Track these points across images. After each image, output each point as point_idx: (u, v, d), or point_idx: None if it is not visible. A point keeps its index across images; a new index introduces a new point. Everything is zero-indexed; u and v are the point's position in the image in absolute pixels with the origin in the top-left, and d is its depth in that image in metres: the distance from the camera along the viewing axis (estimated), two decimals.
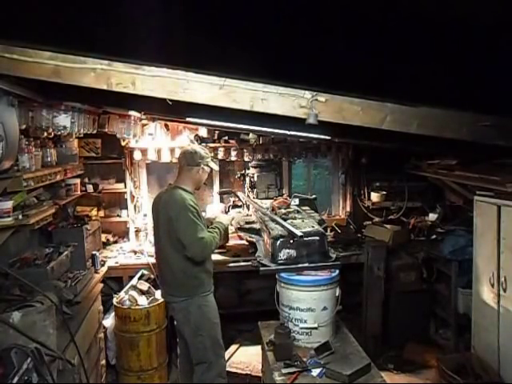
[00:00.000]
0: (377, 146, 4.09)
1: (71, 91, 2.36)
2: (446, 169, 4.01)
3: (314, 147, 4.88)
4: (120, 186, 4.62)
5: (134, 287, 3.75)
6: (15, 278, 2.41)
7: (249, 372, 3.54)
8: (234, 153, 4.68)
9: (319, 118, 2.15)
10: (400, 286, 4.20)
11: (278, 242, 2.81)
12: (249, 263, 3.76)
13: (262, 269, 2.81)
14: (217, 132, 4.65)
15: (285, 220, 3.16)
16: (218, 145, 4.67)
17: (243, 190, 4.91)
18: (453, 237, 4.09)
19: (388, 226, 4.61)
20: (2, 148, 2.31)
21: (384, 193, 4.91)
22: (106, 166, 4.61)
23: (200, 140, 4.54)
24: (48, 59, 2.02)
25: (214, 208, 4.66)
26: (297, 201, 3.98)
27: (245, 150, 4.70)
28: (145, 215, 4.58)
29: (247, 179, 4.85)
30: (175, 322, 3.12)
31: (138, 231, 4.60)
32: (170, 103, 2.48)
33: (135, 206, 4.68)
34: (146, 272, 3.96)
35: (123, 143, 4.45)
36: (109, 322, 3.77)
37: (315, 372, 2.38)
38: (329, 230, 4.48)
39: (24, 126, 2.86)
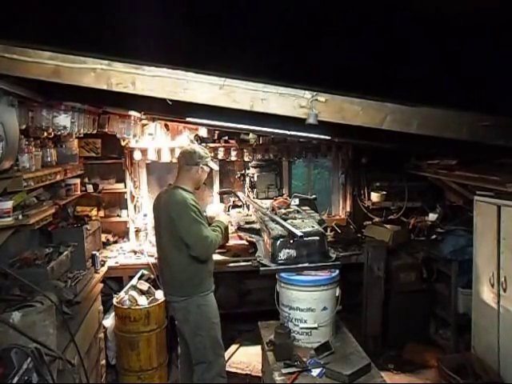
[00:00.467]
0: (377, 146, 4.09)
1: (71, 91, 2.35)
2: (445, 169, 4.00)
3: (313, 147, 4.88)
4: (120, 185, 4.62)
5: (134, 287, 3.75)
6: (15, 277, 2.41)
7: (249, 372, 3.54)
8: (234, 153, 4.68)
9: (319, 118, 2.15)
10: (400, 286, 4.20)
11: (278, 242, 2.81)
12: (249, 263, 3.77)
13: (262, 269, 2.81)
14: (217, 132, 4.65)
15: (285, 220, 3.16)
16: (218, 145, 4.67)
17: (243, 189, 4.91)
18: (453, 237, 4.09)
19: (388, 226, 4.61)
20: (2, 148, 2.31)
21: (384, 193, 4.91)
22: (106, 165, 4.60)
23: (200, 140, 4.54)
24: (48, 59, 2.02)
25: (213, 208, 4.66)
26: (297, 201, 3.97)
27: (245, 150, 4.70)
28: (145, 215, 4.58)
29: (247, 179, 4.85)
30: (176, 322, 3.12)
31: (138, 231, 4.60)
32: (170, 103, 2.48)
33: (135, 206, 4.68)
34: (146, 272, 3.96)
35: (123, 143, 4.45)
36: (109, 322, 3.77)
37: (315, 372, 2.38)
38: (329, 230, 4.48)
39: (24, 126, 2.86)
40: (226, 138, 4.69)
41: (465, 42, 1.48)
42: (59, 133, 3.23)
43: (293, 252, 2.80)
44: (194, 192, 3.05)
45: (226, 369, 3.25)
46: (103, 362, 3.57)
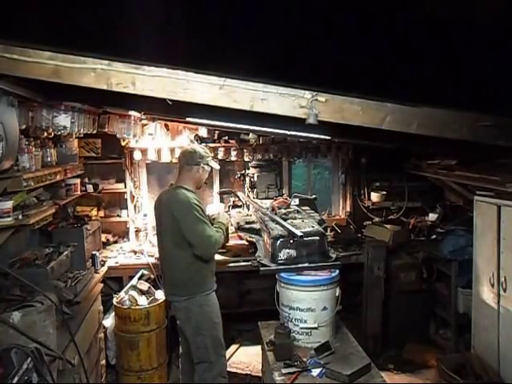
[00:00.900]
0: (377, 145, 4.09)
1: (71, 91, 2.35)
2: (445, 169, 4.01)
3: (313, 147, 4.88)
4: (120, 185, 4.62)
5: (134, 287, 3.75)
6: (15, 277, 2.41)
7: (249, 372, 3.55)
8: (234, 153, 4.68)
9: (319, 118, 2.14)
10: (400, 286, 4.20)
11: (278, 242, 2.81)
12: (249, 263, 3.77)
13: (262, 269, 2.81)
14: (217, 132, 4.65)
15: (285, 220, 3.16)
16: (218, 145, 4.67)
17: (243, 190, 4.91)
18: (453, 237, 4.09)
19: (388, 226, 4.61)
20: (2, 148, 2.31)
21: (384, 193, 4.92)
22: (106, 165, 4.60)
23: (200, 140, 4.54)
24: (48, 59, 2.02)
25: (213, 207, 4.66)
26: (297, 201, 3.98)
27: (245, 150, 4.70)
28: (145, 215, 4.58)
29: (247, 179, 4.85)
30: (177, 321, 3.13)
31: (138, 231, 4.60)
32: (170, 103, 2.48)
33: (135, 206, 4.68)
34: (146, 272, 3.96)
35: (123, 143, 4.45)
36: (109, 322, 3.77)
37: (315, 372, 2.38)
38: (329, 230, 4.47)
39: (24, 126, 2.86)
40: (226, 138, 4.69)
41: (465, 41, 1.48)
42: (59, 133, 3.23)
43: (293, 252, 2.80)
44: (195, 192, 3.05)
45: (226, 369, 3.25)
46: (103, 362, 3.57)
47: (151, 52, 1.84)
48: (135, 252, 4.28)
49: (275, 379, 2.35)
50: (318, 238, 2.84)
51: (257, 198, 4.69)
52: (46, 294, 2.20)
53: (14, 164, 2.68)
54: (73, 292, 3.01)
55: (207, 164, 3.07)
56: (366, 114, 2.24)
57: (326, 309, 2.67)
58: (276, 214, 3.43)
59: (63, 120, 3.13)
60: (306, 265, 2.77)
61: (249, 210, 4.47)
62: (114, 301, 3.66)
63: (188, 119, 3.88)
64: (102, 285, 3.73)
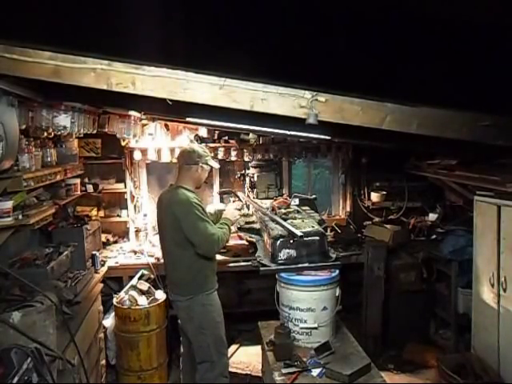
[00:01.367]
0: (377, 145, 4.09)
1: (71, 91, 2.35)
2: (445, 169, 4.01)
3: (313, 147, 4.88)
4: (120, 185, 4.62)
5: (134, 287, 3.75)
6: (15, 277, 2.41)
7: (249, 372, 3.55)
8: (233, 153, 4.68)
9: (319, 118, 2.14)
10: (400, 286, 4.20)
11: (278, 242, 2.81)
12: (249, 263, 3.76)
13: (262, 269, 2.81)
14: (217, 132, 4.65)
15: (285, 220, 3.16)
16: (218, 145, 4.67)
17: (243, 190, 4.91)
18: (453, 237, 4.09)
19: (388, 226, 4.60)
20: (2, 148, 2.31)
21: (384, 193, 4.91)
22: (106, 165, 4.61)
23: (200, 140, 4.54)
24: (48, 59, 2.02)
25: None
26: (297, 201, 3.97)
27: (245, 150, 4.70)
28: (145, 215, 4.58)
29: (247, 179, 4.85)
30: (179, 321, 3.13)
31: (138, 231, 4.60)
32: (170, 103, 2.48)
33: (135, 206, 4.68)
34: (146, 272, 3.96)
35: (123, 143, 4.45)
36: (109, 322, 3.77)
37: (315, 372, 2.38)
38: (329, 230, 4.48)
39: (24, 126, 2.86)
40: (226, 138, 4.69)
41: (465, 41, 1.48)
42: (59, 133, 3.23)
43: (293, 252, 2.79)
44: (195, 191, 3.05)
45: None
46: (103, 362, 3.57)
47: (151, 52, 1.84)
48: (135, 252, 4.28)
49: (275, 379, 2.35)
50: (317, 237, 2.84)
51: (257, 197, 4.69)
52: (46, 294, 2.20)
53: (14, 164, 2.68)
54: (73, 292, 3.01)
55: (206, 163, 3.07)
56: (366, 114, 2.24)
57: (326, 309, 2.67)
58: (276, 213, 3.43)
59: (63, 120, 3.13)
60: (306, 265, 2.77)
61: (249, 209, 4.47)
62: (114, 301, 3.67)
63: (188, 119, 3.88)
64: (101, 285, 3.73)
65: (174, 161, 4.38)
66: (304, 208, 3.85)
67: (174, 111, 3.38)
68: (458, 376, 3.03)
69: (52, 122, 3.06)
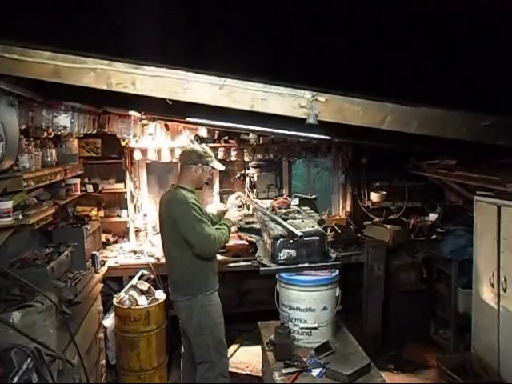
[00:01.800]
0: (377, 145, 4.09)
1: (71, 91, 2.35)
2: (445, 169, 4.01)
3: (313, 147, 4.88)
4: (120, 185, 4.62)
5: (134, 287, 3.75)
6: (15, 278, 2.41)
7: (249, 372, 3.55)
8: (234, 153, 4.68)
9: (319, 118, 2.14)
10: (400, 286, 4.20)
11: (278, 242, 2.81)
12: (249, 263, 3.76)
13: (262, 269, 2.81)
14: (217, 132, 4.65)
15: (285, 220, 3.15)
16: (218, 145, 4.67)
17: (243, 190, 4.91)
18: (453, 237, 4.09)
19: (388, 226, 4.61)
20: (2, 148, 2.31)
21: (384, 193, 4.92)
22: (105, 165, 4.60)
23: (200, 140, 4.54)
24: (48, 59, 2.02)
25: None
26: (297, 201, 3.97)
27: (245, 150, 4.70)
28: (145, 215, 4.59)
29: (247, 179, 4.85)
30: (179, 321, 3.13)
31: (138, 231, 4.60)
32: (170, 103, 2.48)
33: (135, 206, 4.68)
34: (146, 272, 3.96)
35: (123, 143, 4.45)
36: (109, 322, 3.77)
37: (315, 372, 2.38)
38: (329, 230, 4.47)
39: (24, 126, 2.86)
40: (226, 138, 4.69)
41: (466, 40, 1.48)
42: (59, 133, 3.23)
43: (293, 252, 2.79)
44: (195, 191, 3.05)
45: None
46: (103, 362, 3.57)
47: (151, 52, 1.84)
48: (135, 252, 4.28)
49: (275, 379, 2.35)
50: (317, 238, 2.84)
51: (257, 197, 4.68)
52: (46, 294, 2.20)
53: (14, 164, 2.68)
54: (73, 292, 3.01)
55: (207, 164, 3.07)
56: (366, 114, 2.23)
57: (326, 309, 2.66)
58: (276, 213, 3.43)
59: (63, 120, 3.13)
60: (306, 265, 2.76)
61: (249, 209, 4.46)
62: (114, 301, 3.67)
63: (188, 119, 3.88)
64: (101, 285, 3.73)
65: (174, 161, 4.39)
66: (304, 208, 3.85)
67: (174, 111, 3.38)
68: (457, 376, 3.03)
69: (52, 121, 3.06)
